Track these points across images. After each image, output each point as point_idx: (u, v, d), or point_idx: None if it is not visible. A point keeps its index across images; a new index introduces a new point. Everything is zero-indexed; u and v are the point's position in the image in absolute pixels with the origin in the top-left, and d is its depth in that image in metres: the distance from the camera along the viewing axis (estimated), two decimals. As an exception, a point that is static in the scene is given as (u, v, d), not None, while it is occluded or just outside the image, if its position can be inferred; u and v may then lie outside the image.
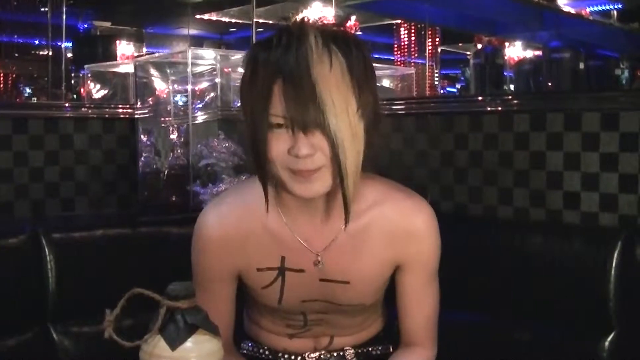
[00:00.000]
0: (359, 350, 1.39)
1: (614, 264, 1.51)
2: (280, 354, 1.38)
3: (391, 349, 1.38)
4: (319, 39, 1.07)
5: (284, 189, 1.15)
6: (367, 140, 1.12)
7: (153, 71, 2.50)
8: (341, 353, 1.37)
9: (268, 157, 1.10)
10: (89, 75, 3.60)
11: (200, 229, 1.26)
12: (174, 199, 2.27)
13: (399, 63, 6.15)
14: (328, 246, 1.23)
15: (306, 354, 1.37)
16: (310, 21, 1.12)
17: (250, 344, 1.41)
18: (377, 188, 1.26)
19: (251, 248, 1.24)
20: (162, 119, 2.46)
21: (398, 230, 1.23)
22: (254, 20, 3.05)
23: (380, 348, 1.41)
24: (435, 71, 6.14)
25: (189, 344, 0.90)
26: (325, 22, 1.08)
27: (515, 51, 6.15)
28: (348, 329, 1.37)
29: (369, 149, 1.13)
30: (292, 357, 1.37)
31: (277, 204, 1.23)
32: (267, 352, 1.39)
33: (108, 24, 6.59)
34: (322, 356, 1.37)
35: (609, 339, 1.51)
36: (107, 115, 2.36)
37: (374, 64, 1.16)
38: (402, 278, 1.28)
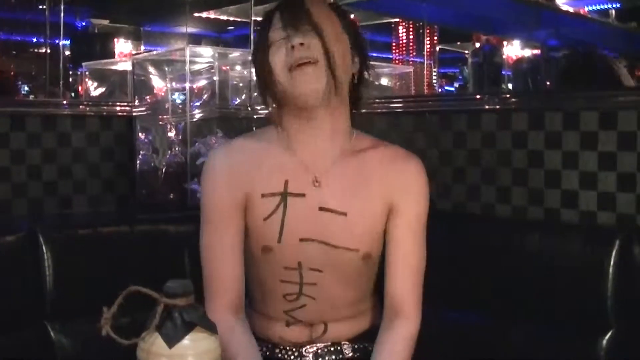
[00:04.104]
0: (356, 346, 1.40)
1: (612, 263, 1.51)
2: (277, 351, 1.39)
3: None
4: None
5: (287, 105, 1.32)
6: (357, 72, 1.36)
7: (151, 69, 2.49)
8: (338, 348, 1.39)
9: (270, 67, 1.29)
10: (87, 72, 3.59)
11: (209, 162, 1.41)
12: (171, 196, 2.27)
13: (397, 62, 6.15)
14: (328, 170, 1.35)
15: (303, 349, 1.38)
16: None
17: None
18: (375, 138, 1.45)
19: (256, 174, 1.36)
20: (160, 116, 2.45)
21: (393, 169, 1.39)
22: (252, 18, 3.03)
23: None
24: (434, 70, 6.13)
25: (186, 341, 0.90)
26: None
27: (514, 50, 6.16)
28: (341, 310, 1.38)
29: (359, 74, 1.37)
30: (290, 352, 1.38)
31: (282, 129, 1.37)
32: (264, 349, 1.39)
33: (106, 22, 6.58)
34: (319, 351, 1.38)
35: (607, 337, 1.51)
36: (104, 113, 2.35)
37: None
38: (392, 225, 1.38)
